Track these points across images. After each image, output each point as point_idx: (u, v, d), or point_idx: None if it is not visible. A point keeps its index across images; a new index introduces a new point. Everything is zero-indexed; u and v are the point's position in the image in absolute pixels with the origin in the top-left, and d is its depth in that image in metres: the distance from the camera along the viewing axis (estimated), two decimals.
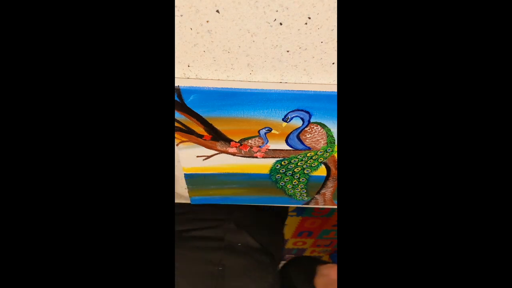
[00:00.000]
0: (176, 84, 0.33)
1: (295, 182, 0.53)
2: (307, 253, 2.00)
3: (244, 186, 0.52)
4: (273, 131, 0.40)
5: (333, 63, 0.31)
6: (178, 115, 0.37)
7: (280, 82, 0.33)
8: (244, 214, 0.50)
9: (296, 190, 0.55)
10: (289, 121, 0.38)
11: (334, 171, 0.50)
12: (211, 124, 0.39)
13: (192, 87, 0.33)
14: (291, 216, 1.50)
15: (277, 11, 0.26)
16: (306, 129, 0.40)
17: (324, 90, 0.34)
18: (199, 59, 0.31)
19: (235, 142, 0.42)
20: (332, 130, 0.40)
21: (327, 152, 0.45)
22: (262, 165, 0.48)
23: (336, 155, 0.46)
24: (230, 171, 0.48)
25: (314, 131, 0.40)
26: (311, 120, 0.38)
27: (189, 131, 0.40)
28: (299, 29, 0.27)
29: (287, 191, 0.56)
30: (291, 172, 0.50)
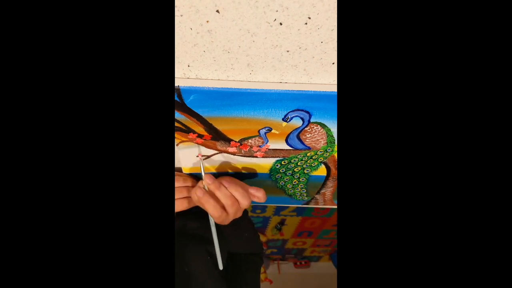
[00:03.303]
0: (176, 84, 0.33)
1: (295, 182, 0.53)
2: (307, 253, 2.00)
3: None
4: (273, 131, 0.40)
5: (333, 63, 0.31)
6: (178, 115, 0.37)
7: (280, 82, 0.33)
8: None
9: (296, 190, 0.55)
10: (289, 121, 0.38)
11: (334, 171, 0.50)
12: (211, 124, 0.39)
13: (192, 87, 0.33)
14: (291, 216, 1.50)
15: (277, 11, 0.26)
16: (306, 129, 0.40)
17: (324, 90, 0.34)
18: (199, 59, 0.31)
19: (235, 142, 0.42)
20: (332, 130, 0.40)
21: (327, 152, 0.45)
22: (262, 164, 0.48)
23: (336, 155, 0.46)
24: (230, 171, 0.48)
25: (314, 131, 0.40)
26: (311, 120, 0.38)
27: (189, 131, 0.40)
28: (299, 29, 0.27)
29: (287, 191, 0.56)
30: (291, 171, 0.50)
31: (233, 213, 0.41)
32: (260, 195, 0.43)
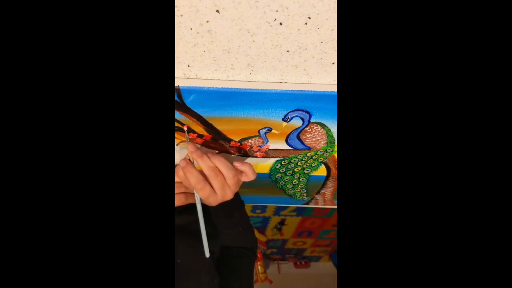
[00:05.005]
0: (176, 84, 0.33)
1: (295, 182, 0.53)
2: (307, 253, 2.00)
3: (244, 186, 0.52)
4: (273, 131, 0.40)
5: (333, 63, 0.31)
6: (178, 115, 0.37)
7: (280, 82, 0.33)
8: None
9: (296, 190, 0.55)
10: (289, 121, 0.38)
11: (334, 171, 0.50)
12: (211, 124, 0.39)
13: (192, 87, 0.33)
14: (291, 216, 1.50)
15: (277, 11, 0.26)
16: (306, 129, 0.40)
17: (324, 90, 0.34)
18: (199, 59, 0.31)
19: (235, 141, 0.42)
20: (332, 130, 0.40)
21: (327, 152, 0.45)
22: (262, 164, 0.48)
23: (336, 155, 0.46)
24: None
25: (314, 131, 0.40)
26: (311, 120, 0.38)
27: (189, 131, 0.40)
28: (299, 29, 0.27)
29: (287, 191, 0.56)
30: (291, 172, 0.50)
31: (219, 188, 0.39)
32: (246, 169, 0.40)
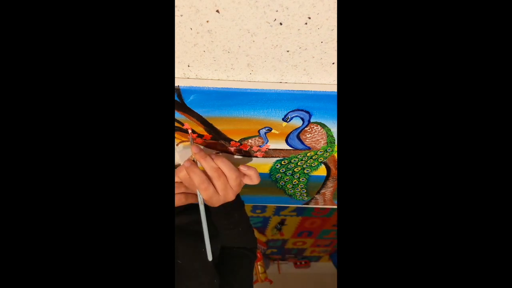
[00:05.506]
0: (176, 84, 0.33)
1: (295, 182, 0.53)
2: (307, 253, 2.00)
3: (244, 186, 0.52)
4: (273, 131, 0.40)
5: (333, 63, 0.31)
6: (178, 115, 0.37)
7: (280, 82, 0.33)
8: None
9: (296, 190, 0.55)
10: (289, 121, 0.38)
11: (334, 171, 0.50)
12: (211, 124, 0.39)
13: (192, 87, 0.33)
14: (291, 216, 1.50)
15: (277, 11, 0.26)
16: (306, 129, 0.40)
17: (324, 90, 0.34)
18: (199, 59, 0.31)
19: (235, 141, 0.42)
20: (332, 130, 0.40)
21: (327, 152, 0.45)
22: (262, 164, 0.48)
23: (336, 155, 0.46)
24: None
25: (314, 131, 0.40)
26: (311, 120, 0.38)
27: (187, 131, 0.40)
28: (299, 29, 0.27)
29: (287, 191, 0.56)
30: (291, 171, 0.50)
31: (221, 189, 0.39)
32: (252, 173, 0.40)
